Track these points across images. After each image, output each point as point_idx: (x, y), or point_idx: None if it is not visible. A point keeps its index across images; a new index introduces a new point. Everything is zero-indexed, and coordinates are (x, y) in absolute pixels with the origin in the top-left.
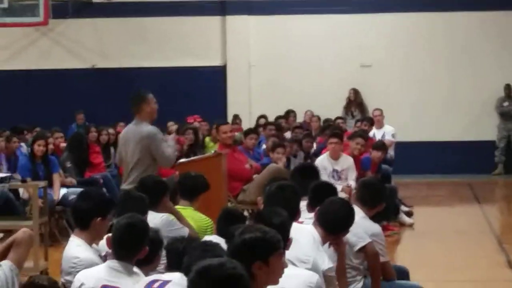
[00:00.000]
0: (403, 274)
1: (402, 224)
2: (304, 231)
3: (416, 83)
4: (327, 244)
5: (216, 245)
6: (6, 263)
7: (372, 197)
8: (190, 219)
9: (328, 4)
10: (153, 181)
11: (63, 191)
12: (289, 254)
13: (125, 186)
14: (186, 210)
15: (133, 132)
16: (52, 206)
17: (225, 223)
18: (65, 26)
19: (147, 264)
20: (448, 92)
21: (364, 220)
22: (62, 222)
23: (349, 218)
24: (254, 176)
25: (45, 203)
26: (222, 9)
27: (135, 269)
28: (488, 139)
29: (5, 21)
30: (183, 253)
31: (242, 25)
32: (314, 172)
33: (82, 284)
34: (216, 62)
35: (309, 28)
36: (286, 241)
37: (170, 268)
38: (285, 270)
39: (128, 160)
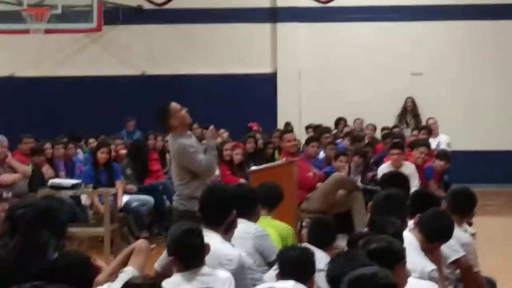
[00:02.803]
0: (491, 285)
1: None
2: (405, 239)
3: (467, 92)
4: None
5: (361, 254)
6: (129, 269)
7: (463, 205)
8: (268, 228)
9: (378, 11)
10: (246, 190)
11: (125, 198)
12: None
13: (174, 197)
14: (265, 220)
15: (170, 147)
16: (114, 213)
17: (318, 231)
18: (116, 32)
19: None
20: (499, 101)
21: (455, 229)
22: (123, 229)
23: (450, 229)
24: (318, 184)
25: (115, 211)
26: (273, 16)
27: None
28: None
29: (58, 27)
30: (296, 261)
31: (292, 32)
32: (403, 179)
33: None
34: (266, 69)
35: (359, 36)
36: None
37: (283, 276)
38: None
39: (173, 173)
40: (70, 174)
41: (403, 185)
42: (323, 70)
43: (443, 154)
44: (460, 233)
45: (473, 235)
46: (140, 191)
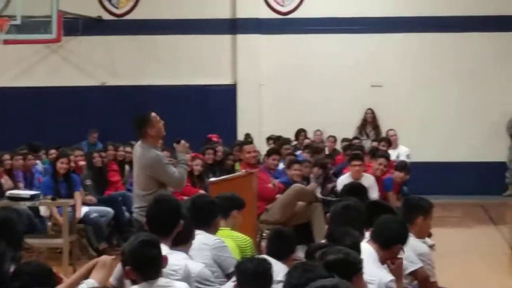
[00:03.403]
0: None
1: None
2: (363, 250)
3: (425, 104)
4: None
5: (318, 265)
6: (89, 281)
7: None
8: (227, 239)
9: (338, 23)
10: (205, 202)
11: (84, 209)
12: None
13: (134, 209)
14: (224, 231)
15: (139, 156)
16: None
17: (277, 243)
18: (76, 43)
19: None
20: (458, 113)
21: (413, 240)
22: (82, 240)
23: (402, 231)
24: (277, 195)
25: (73, 222)
26: (233, 28)
27: None
28: (498, 160)
29: (17, 38)
30: (254, 272)
31: (252, 43)
32: (362, 190)
33: None
34: (226, 80)
35: (319, 47)
36: None
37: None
38: None
39: (134, 180)
40: (29, 185)
41: (362, 196)
42: (284, 81)
43: (402, 166)
44: (416, 243)
45: (431, 246)
46: (100, 202)
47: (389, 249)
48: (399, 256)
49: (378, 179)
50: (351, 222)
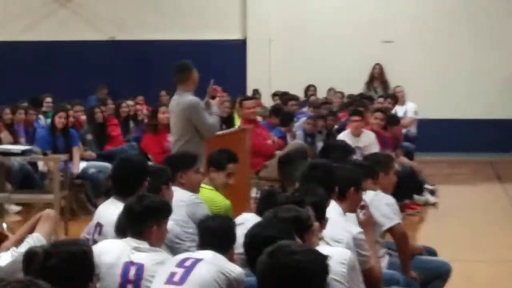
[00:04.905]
0: (432, 254)
1: (426, 203)
2: (331, 209)
3: (439, 60)
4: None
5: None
6: (35, 235)
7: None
8: (206, 199)
9: None
10: (177, 158)
11: (83, 164)
12: (324, 234)
13: None
14: (204, 190)
15: (177, 103)
16: (71, 180)
17: (266, 203)
18: None
19: None
20: (470, 70)
21: (382, 195)
22: (81, 196)
23: (351, 173)
24: (276, 152)
25: (65, 177)
26: None
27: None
28: (509, 117)
29: None
30: (216, 231)
31: None
32: (346, 150)
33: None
34: (236, 36)
35: (330, 2)
36: (321, 220)
37: (203, 246)
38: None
39: (173, 131)
40: (30, 140)
41: (344, 155)
42: (294, 37)
43: (393, 120)
44: (383, 195)
45: (434, 204)
46: (99, 157)
47: (347, 197)
48: (364, 205)
49: (378, 134)
50: (318, 181)
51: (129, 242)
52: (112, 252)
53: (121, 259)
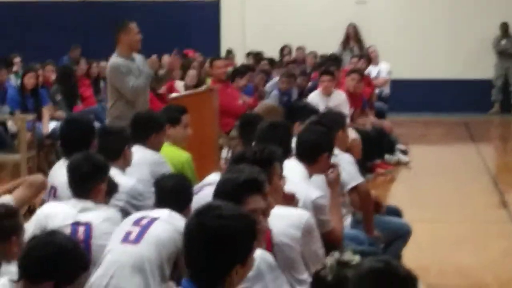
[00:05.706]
0: (396, 214)
1: (398, 163)
2: (292, 168)
3: (413, 20)
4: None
5: None
6: (6, 198)
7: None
8: (166, 156)
9: None
10: (144, 117)
11: (53, 124)
12: None
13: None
14: (163, 148)
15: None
16: (41, 140)
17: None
18: None
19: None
20: (445, 30)
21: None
22: (51, 156)
23: (325, 138)
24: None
25: (33, 136)
26: None
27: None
28: (485, 78)
29: None
30: (172, 189)
31: None
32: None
33: (47, 221)
34: None
35: None
36: None
37: (159, 204)
38: (274, 210)
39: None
40: (1, 100)
41: (307, 116)
42: None
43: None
44: (344, 154)
45: (406, 163)
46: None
47: (318, 161)
48: (334, 164)
49: (354, 95)
50: (276, 140)
51: (74, 204)
52: (58, 215)
53: (67, 220)
